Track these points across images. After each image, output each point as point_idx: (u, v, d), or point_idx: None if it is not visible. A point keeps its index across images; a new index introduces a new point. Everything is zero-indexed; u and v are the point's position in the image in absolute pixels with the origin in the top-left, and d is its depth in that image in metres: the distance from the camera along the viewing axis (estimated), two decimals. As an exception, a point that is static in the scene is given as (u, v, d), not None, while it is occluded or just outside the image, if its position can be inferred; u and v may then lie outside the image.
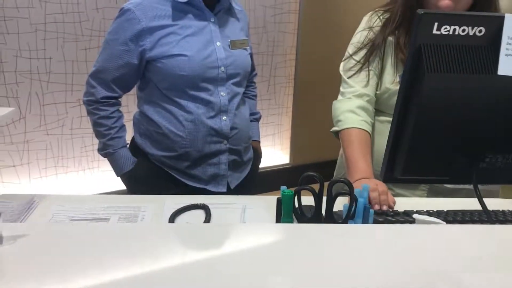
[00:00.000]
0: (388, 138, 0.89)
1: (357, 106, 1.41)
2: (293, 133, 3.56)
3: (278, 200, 0.83)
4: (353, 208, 0.83)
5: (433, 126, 0.86)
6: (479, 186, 0.93)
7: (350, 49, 1.48)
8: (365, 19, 1.49)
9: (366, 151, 1.35)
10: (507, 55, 0.80)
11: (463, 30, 0.80)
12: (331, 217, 0.85)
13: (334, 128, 1.46)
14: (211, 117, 1.47)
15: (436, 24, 0.79)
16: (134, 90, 1.62)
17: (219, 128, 1.47)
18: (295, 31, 3.36)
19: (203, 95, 1.44)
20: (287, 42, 3.38)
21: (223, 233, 0.68)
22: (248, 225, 0.86)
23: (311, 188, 0.81)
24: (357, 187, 1.22)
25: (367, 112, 1.42)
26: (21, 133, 2.62)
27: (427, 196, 1.43)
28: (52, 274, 0.58)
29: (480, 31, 0.80)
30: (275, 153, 3.56)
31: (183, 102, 1.45)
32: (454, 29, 0.80)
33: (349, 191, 0.83)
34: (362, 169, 1.31)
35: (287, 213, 0.81)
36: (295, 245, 0.65)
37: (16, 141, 2.61)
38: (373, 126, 1.45)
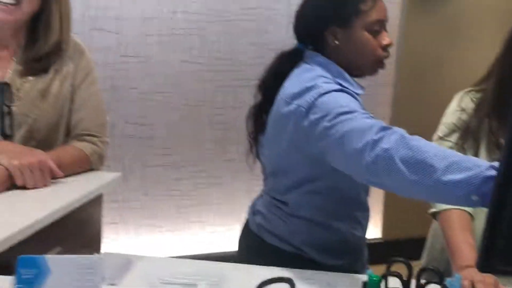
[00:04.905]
0: (486, 221, 0.85)
1: None
2: (385, 205, 3.46)
3: (364, 284, 0.82)
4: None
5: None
6: None
7: (443, 130, 1.46)
8: (456, 98, 1.47)
9: (469, 235, 1.29)
10: None
11: None
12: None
13: (431, 210, 1.42)
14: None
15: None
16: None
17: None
18: (390, 103, 3.35)
19: None
20: (380, 114, 3.37)
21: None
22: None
23: (398, 274, 0.80)
24: (462, 276, 1.15)
25: None
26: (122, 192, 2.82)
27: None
28: None
29: None
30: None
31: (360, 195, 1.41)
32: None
33: (440, 281, 0.80)
34: (467, 257, 1.24)
35: None
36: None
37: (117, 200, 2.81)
38: None
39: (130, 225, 2.88)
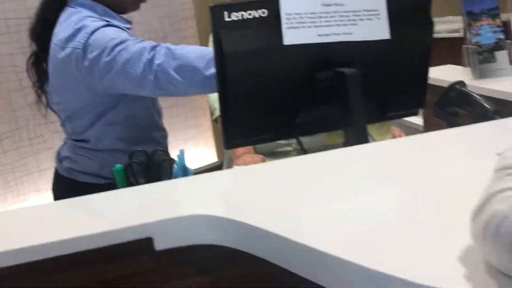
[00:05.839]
0: (220, 110, 1.05)
1: None
2: (214, 130, 3.71)
3: (114, 176, 0.99)
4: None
5: (249, 95, 1.03)
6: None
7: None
8: None
9: None
10: (288, 28, 0.98)
11: (250, 14, 0.97)
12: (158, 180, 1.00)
13: (214, 116, 1.63)
14: None
15: (226, 13, 0.96)
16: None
17: None
18: (196, 34, 3.52)
19: None
20: (190, 47, 3.53)
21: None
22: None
23: (139, 161, 0.97)
24: (240, 163, 1.39)
25: None
26: None
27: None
28: None
29: (263, 12, 0.98)
30: (201, 153, 3.70)
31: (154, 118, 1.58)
32: (243, 15, 0.97)
33: (169, 158, 0.99)
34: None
35: (122, 185, 0.97)
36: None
37: None
38: None
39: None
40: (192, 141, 3.65)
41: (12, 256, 0.64)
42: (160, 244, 0.67)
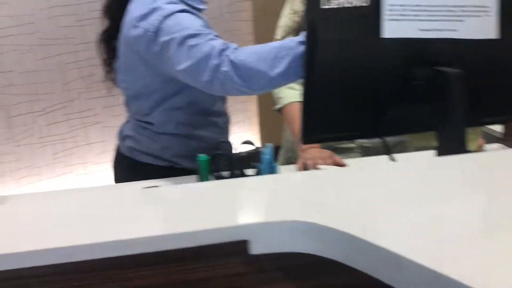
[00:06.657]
0: (302, 103, 0.99)
1: None
2: (261, 117, 3.66)
3: (198, 165, 0.95)
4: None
5: (337, 87, 0.96)
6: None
7: (280, 33, 1.58)
8: (288, 2, 1.58)
9: None
10: (389, 20, 0.90)
11: (350, 3, 0.90)
12: (243, 175, 0.95)
13: (276, 106, 1.57)
14: None
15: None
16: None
17: None
18: (251, 17, 3.44)
19: None
20: (244, 30, 3.46)
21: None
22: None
23: (224, 153, 0.92)
24: (307, 157, 1.33)
25: None
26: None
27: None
28: None
29: (366, 1, 0.90)
30: (245, 139, 3.65)
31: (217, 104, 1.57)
32: (341, 3, 0.90)
33: (255, 152, 0.94)
34: None
35: (205, 175, 0.92)
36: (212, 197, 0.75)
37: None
38: None
39: (7, 178, 2.78)
40: (238, 126, 3.61)
41: (105, 249, 0.60)
42: (256, 249, 0.62)
